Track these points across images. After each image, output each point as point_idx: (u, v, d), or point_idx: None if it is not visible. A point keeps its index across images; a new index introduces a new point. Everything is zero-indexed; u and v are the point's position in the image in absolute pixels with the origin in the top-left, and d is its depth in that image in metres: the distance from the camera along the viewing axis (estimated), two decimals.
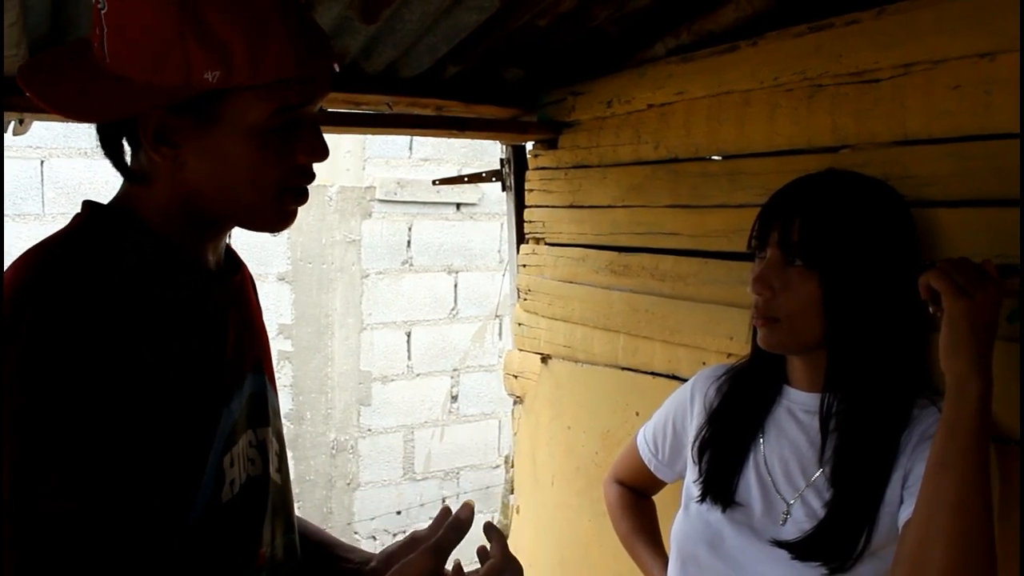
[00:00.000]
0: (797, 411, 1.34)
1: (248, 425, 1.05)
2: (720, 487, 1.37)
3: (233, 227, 1.06)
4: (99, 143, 0.98)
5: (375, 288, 5.18)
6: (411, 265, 5.30)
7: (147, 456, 0.88)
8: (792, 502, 1.29)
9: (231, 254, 1.14)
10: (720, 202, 1.81)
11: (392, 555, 1.16)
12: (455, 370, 5.53)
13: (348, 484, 5.21)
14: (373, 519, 5.28)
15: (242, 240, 4.69)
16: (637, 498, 1.70)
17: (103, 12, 0.90)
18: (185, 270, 0.99)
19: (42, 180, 4.28)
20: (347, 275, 5.09)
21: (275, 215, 1.00)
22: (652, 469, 1.62)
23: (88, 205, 0.99)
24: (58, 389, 0.83)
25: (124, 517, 0.86)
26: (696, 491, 1.40)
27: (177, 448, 0.92)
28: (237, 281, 1.11)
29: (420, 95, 2.26)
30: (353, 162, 5.02)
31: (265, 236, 4.72)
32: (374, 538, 5.29)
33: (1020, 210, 1.20)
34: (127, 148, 0.98)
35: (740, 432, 1.39)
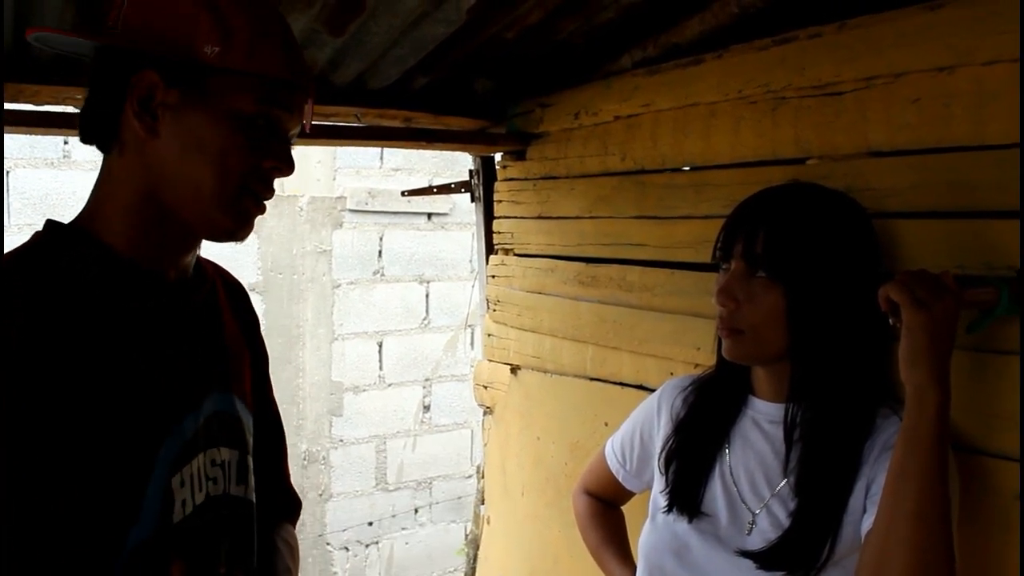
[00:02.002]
0: (762, 421, 1.35)
1: (208, 444, 1.04)
2: (686, 497, 1.38)
3: (190, 240, 1.05)
4: (84, 115, 1.02)
5: (346, 298, 5.16)
6: (382, 275, 5.29)
7: (76, 472, 0.88)
8: (757, 512, 1.30)
9: (201, 269, 1.13)
10: (686, 213, 1.82)
11: None
12: (427, 380, 5.51)
13: (320, 495, 5.17)
14: (345, 530, 5.25)
15: (211, 250, 4.65)
16: (606, 508, 1.71)
17: None
18: (133, 285, 0.99)
19: (7, 191, 4.23)
20: (318, 285, 5.06)
21: (231, 212, 1.01)
22: (620, 479, 1.62)
23: (47, 224, 1.00)
24: None
25: (49, 533, 0.85)
26: (663, 501, 1.41)
27: (112, 466, 0.91)
28: (200, 298, 1.10)
29: (389, 106, 2.26)
30: (324, 172, 5.00)
31: (236, 247, 4.68)
32: (347, 549, 5.26)
33: (1020, 221, 1.21)
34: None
35: (706, 442, 1.40)
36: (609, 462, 1.64)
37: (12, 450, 0.83)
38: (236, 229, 1.03)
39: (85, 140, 1.03)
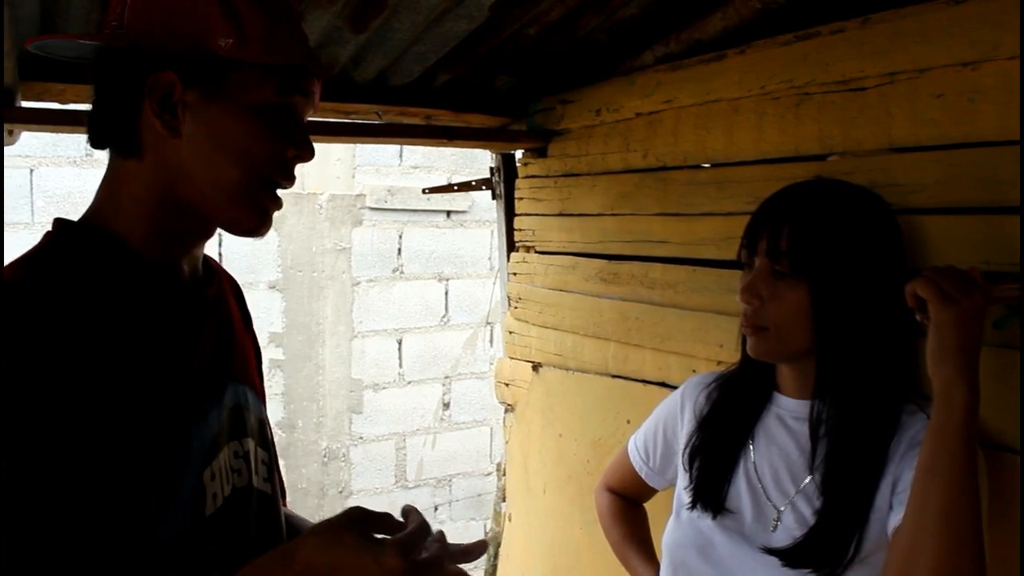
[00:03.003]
0: (787, 418, 1.35)
1: (231, 436, 1.05)
2: (710, 494, 1.37)
3: (207, 232, 1.05)
4: (94, 120, 1.00)
5: (366, 296, 5.18)
6: (402, 273, 5.30)
7: (107, 472, 0.87)
8: (782, 509, 1.30)
9: (208, 265, 1.13)
10: (709, 210, 1.82)
11: None
12: (447, 377, 5.52)
13: (340, 492, 5.19)
14: None
15: (232, 248, 4.69)
16: (628, 506, 1.70)
17: None
18: (154, 282, 0.99)
19: (31, 189, 4.27)
20: (338, 283, 5.08)
21: (252, 208, 1.00)
22: (643, 477, 1.62)
23: (58, 223, 0.99)
24: (8, 406, 0.82)
25: (82, 532, 0.85)
26: (687, 498, 1.41)
27: (144, 464, 0.90)
28: (213, 292, 1.10)
29: (410, 104, 2.27)
30: (343, 170, 5.02)
31: (256, 245, 4.71)
32: None
33: (1020, 217, 1.20)
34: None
35: (730, 439, 1.39)
36: (632, 459, 1.64)
37: (43, 451, 0.83)
38: (258, 226, 1.02)
39: (97, 145, 1.01)
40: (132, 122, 0.97)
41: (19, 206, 4.25)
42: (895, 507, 1.17)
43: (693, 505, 1.39)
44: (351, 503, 5.22)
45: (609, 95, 2.10)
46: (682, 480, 1.45)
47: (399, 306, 5.31)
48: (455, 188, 2.81)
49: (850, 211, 1.27)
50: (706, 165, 1.87)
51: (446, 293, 5.48)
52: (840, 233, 1.24)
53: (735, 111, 1.75)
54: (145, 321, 0.96)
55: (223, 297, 1.15)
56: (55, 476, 0.83)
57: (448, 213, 5.44)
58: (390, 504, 5.33)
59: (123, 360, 0.91)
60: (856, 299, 1.23)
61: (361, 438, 5.24)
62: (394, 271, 5.28)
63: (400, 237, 5.28)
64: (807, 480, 1.28)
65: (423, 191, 2.96)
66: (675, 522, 1.43)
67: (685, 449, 1.45)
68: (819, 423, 1.26)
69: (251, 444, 1.10)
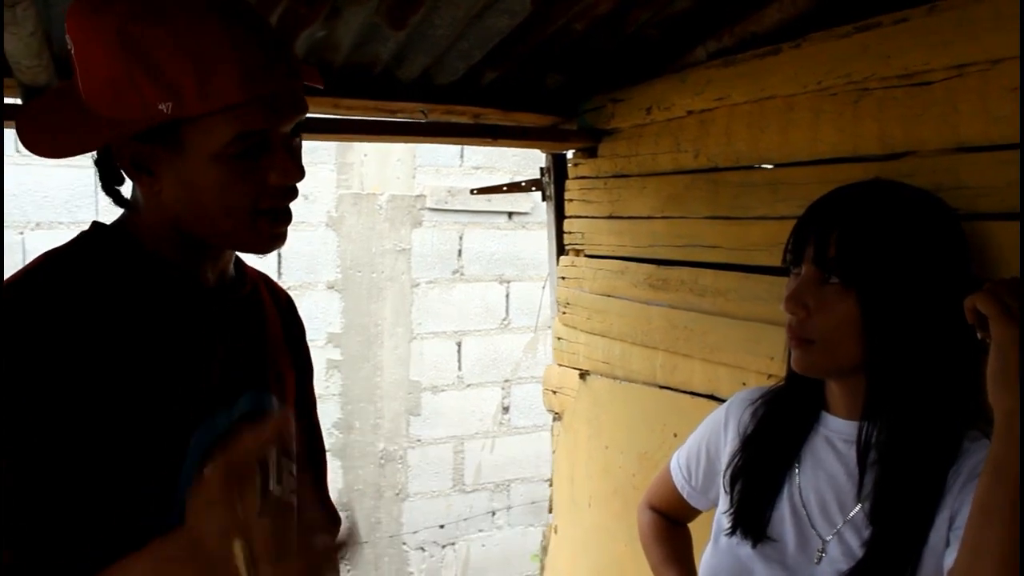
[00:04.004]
0: (835, 440, 1.24)
1: None
2: (751, 520, 1.28)
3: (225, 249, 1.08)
4: (97, 176, 1.05)
5: (425, 297, 5.15)
6: (462, 274, 5.25)
7: (103, 457, 0.90)
8: (828, 539, 1.20)
9: (241, 271, 1.15)
10: (762, 214, 1.72)
11: None
12: (506, 381, 5.46)
13: (397, 494, 5.17)
14: (421, 531, 5.24)
15: (291, 247, 4.69)
16: (670, 525, 1.61)
17: (72, 52, 0.95)
18: (171, 283, 1.02)
19: (96, 189, 4.33)
20: (397, 284, 5.06)
21: (255, 238, 1.02)
22: (685, 496, 1.53)
23: (94, 224, 1.04)
24: (13, 385, 0.86)
25: (81, 523, 0.88)
26: (726, 523, 1.32)
27: (144, 455, 0.94)
28: (242, 297, 1.12)
29: (456, 102, 2.21)
30: (403, 170, 4.99)
31: (315, 245, 4.72)
32: (423, 549, 5.24)
33: (1020, 224, 1.11)
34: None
35: (774, 461, 1.30)
36: (674, 477, 1.55)
37: (42, 439, 0.86)
38: (265, 248, 1.04)
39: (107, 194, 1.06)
40: (119, 179, 1.02)
41: (84, 205, 4.31)
42: (952, 543, 1.06)
43: (733, 531, 1.29)
44: (408, 506, 5.20)
45: (660, 93, 2.01)
46: (723, 503, 1.36)
47: (459, 308, 5.27)
48: (504, 189, 2.74)
49: (905, 216, 1.16)
50: (760, 166, 1.77)
51: (507, 296, 5.42)
52: (894, 239, 1.13)
53: (790, 108, 1.64)
54: (156, 317, 0.99)
55: (256, 304, 1.16)
56: (53, 467, 0.86)
57: (510, 215, 5.37)
58: (447, 508, 5.30)
59: (128, 353, 0.94)
60: (910, 312, 1.12)
61: (419, 440, 5.21)
62: (454, 272, 5.23)
63: (461, 238, 5.23)
64: (856, 509, 1.18)
65: (471, 191, 2.91)
66: (713, 548, 1.34)
67: (727, 470, 1.36)
68: (868, 447, 1.16)
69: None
